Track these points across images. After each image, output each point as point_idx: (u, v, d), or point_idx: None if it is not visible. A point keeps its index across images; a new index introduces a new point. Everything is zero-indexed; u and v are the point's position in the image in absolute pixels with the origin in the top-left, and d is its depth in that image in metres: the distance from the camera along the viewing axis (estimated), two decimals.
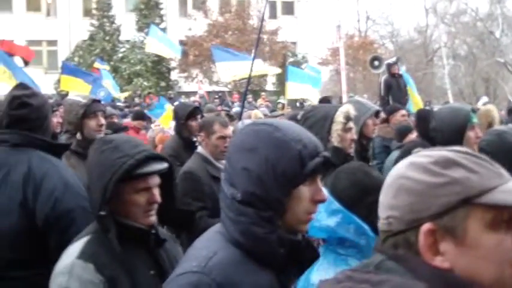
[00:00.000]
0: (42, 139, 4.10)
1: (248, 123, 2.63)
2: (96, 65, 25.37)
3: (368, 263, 1.84)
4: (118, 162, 3.05)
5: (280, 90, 41.87)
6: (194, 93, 35.90)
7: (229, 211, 2.42)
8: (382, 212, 1.84)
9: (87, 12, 48.87)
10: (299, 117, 6.27)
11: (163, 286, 2.46)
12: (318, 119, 5.36)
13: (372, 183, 3.40)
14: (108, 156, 3.10)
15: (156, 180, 3.17)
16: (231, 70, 16.66)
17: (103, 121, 5.30)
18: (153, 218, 3.20)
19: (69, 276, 2.99)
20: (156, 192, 3.17)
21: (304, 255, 2.50)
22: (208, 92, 37.51)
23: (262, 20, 12.12)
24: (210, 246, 2.43)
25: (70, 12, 48.79)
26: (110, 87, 20.62)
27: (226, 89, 36.29)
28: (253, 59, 12.00)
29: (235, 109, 20.76)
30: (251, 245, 2.37)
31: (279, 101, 30.01)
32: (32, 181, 3.88)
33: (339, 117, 5.27)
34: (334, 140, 5.24)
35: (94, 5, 47.21)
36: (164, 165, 3.20)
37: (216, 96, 34.43)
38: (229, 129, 6.19)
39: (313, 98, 15.89)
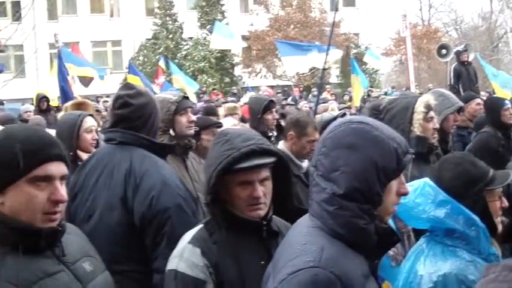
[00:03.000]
0: (145, 138, 4.19)
1: (343, 120, 2.68)
2: (161, 63, 25.57)
3: None
4: (224, 154, 3.11)
5: (344, 83, 41.73)
6: (258, 88, 35.97)
7: (328, 205, 2.52)
8: None
9: (149, 12, 49.51)
10: (381, 108, 6.19)
11: (274, 287, 2.49)
12: (398, 110, 5.34)
13: (478, 173, 3.38)
14: (218, 149, 3.18)
15: (259, 175, 3.16)
16: (297, 63, 16.65)
17: (193, 117, 5.31)
18: (260, 212, 3.19)
19: (179, 258, 3.13)
20: (259, 186, 3.16)
21: (388, 240, 2.63)
22: (272, 87, 37.52)
23: (335, 10, 11.93)
24: (313, 241, 2.51)
25: (133, 12, 49.40)
26: (179, 83, 20.85)
27: (290, 83, 36.24)
28: (328, 50, 11.91)
29: (302, 103, 20.71)
30: (352, 236, 2.49)
31: (345, 93, 29.80)
32: (132, 179, 3.99)
33: (420, 107, 5.25)
34: (417, 130, 5.21)
35: (156, 4, 47.75)
36: (269, 160, 3.18)
37: (279, 91, 34.41)
38: (318, 133, 6.12)
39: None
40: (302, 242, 2.54)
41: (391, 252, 4.14)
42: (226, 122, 8.74)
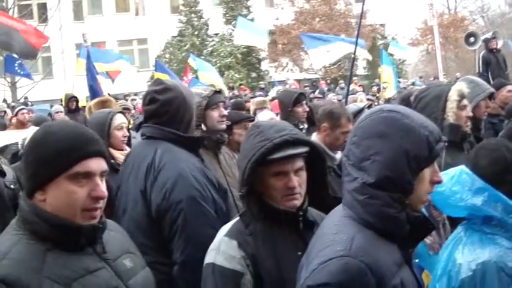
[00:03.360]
0: (171, 131, 4.21)
1: (374, 109, 2.69)
2: (190, 60, 25.61)
3: None
4: (257, 146, 3.14)
5: (371, 74, 41.56)
6: (285, 82, 35.94)
7: (359, 194, 2.54)
8: None
9: (174, 9, 49.71)
10: (412, 98, 6.15)
11: (306, 276, 2.51)
12: (431, 98, 5.32)
13: None
14: (252, 140, 3.21)
15: (294, 165, 3.18)
16: (323, 55, 16.63)
17: (224, 112, 5.30)
18: (296, 202, 3.21)
19: (216, 252, 3.17)
20: (294, 176, 3.18)
21: (422, 228, 2.63)
22: (299, 80, 37.48)
23: (363, 1, 11.87)
24: (344, 230, 2.54)
25: (158, 10, 49.58)
26: (207, 79, 20.91)
27: (317, 76, 36.16)
28: (356, 43, 11.88)
29: (330, 95, 20.69)
30: (383, 224, 2.51)
31: (373, 84, 29.67)
32: (152, 172, 4.06)
33: (453, 95, 5.22)
34: (450, 118, 5.19)
35: (181, 1, 47.87)
36: (302, 150, 3.20)
37: (306, 84, 34.36)
38: (351, 125, 6.11)
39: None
40: (333, 231, 2.56)
41: (427, 240, 4.14)
42: (263, 115, 8.75)
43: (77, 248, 2.57)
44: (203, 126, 5.20)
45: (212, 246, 3.25)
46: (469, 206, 3.31)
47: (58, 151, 2.52)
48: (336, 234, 2.53)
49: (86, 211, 2.57)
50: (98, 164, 2.60)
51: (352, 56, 11.65)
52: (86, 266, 2.56)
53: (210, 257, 3.20)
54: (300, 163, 3.20)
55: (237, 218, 3.34)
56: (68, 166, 2.52)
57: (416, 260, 3.76)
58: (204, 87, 5.63)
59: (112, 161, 5.31)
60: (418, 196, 2.54)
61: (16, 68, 23.61)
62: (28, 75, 23.26)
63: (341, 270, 2.38)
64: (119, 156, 5.56)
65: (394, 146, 2.47)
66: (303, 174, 3.23)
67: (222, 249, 3.15)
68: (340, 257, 2.41)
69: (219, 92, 5.36)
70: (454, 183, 3.37)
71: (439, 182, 2.63)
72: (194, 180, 4.03)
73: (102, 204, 2.62)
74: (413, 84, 28.49)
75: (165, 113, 4.24)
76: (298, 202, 3.21)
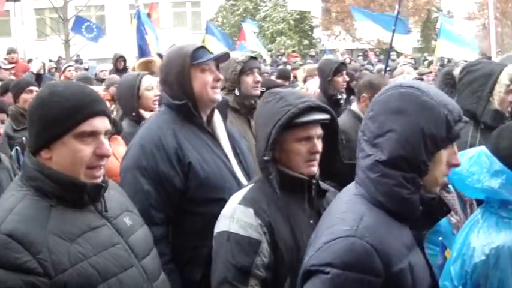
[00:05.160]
0: (165, 97, 4.13)
1: (394, 84, 2.60)
2: (245, 25, 25.50)
3: None
4: (281, 110, 3.13)
5: (425, 47, 40.97)
6: (336, 50, 35.69)
7: (371, 172, 2.48)
8: None
9: None
10: (456, 72, 6.07)
11: (311, 255, 2.49)
12: (480, 75, 5.17)
13: None
14: (273, 106, 3.19)
15: (317, 130, 3.21)
16: (371, 30, 16.53)
17: (259, 78, 5.33)
18: (315, 169, 3.24)
19: (231, 219, 3.15)
20: (317, 142, 3.21)
21: (437, 211, 2.57)
22: (351, 50, 37.18)
23: None
24: (353, 209, 2.49)
25: None
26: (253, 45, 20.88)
27: (369, 46, 35.83)
28: (396, 19, 11.74)
29: (378, 66, 20.51)
30: (395, 205, 2.44)
31: (425, 58, 29.27)
32: None
33: (504, 78, 5.07)
34: (495, 102, 5.05)
35: None
36: (325, 116, 3.23)
37: (360, 54, 34.09)
38: None
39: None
40: (343, 210, 2.52)
41: (453, 219, 4.11)
42: (312, 83, 8.73)
43: (80, 206, 2.64)
44: (236, 91, 5.25)
45: (225, 214, 3.23)
46: (485, 188, 3.23)
47: (65, 109, 2.57)
48: (344, 212, 2.49)
49: (90, 169, 2.62)
50: (103, 123, 2.65)
51: (393, 27, 11.51)
52: (88, 222, 2.62)
53: (223, 225, 3.18)
54: (320, 130, 3.22)
55: (250, 186, 3.32)
56: (75, 124, 2.57)
57: (440, 238, 3.76)
58: (241, 52, 5.67)
59: (143, 121, 5.37)
60: (433, 178, 2.48)
61: (82, 30, 24.00)
62: (94, 39, 23.62)
63: (345, 250, 2.35)
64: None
65: (410, 124, 2.40)
66: (320, 141, 3.24)
67: (238, 217, 3.14)
68: (345, 237, 2.37)
69: (255, 58, 5.39)
70: (473, 164, 3.29)
71: (457, 165, 2.55)
72: (140, 149, 3.88)
73: (105, 162, 2.68)
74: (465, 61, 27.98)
75: (161, 80, 4.16)
76: (315, 169, 3.24)
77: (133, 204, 3.07)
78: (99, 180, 2.68)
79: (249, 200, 3.20)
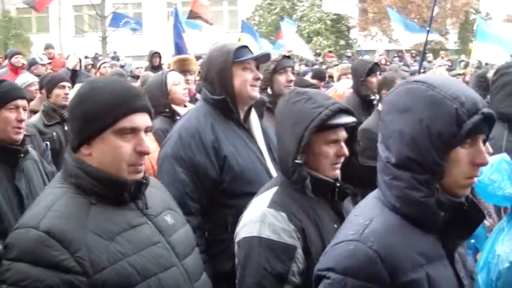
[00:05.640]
0: (204, 92, 4.26)
1: (404, 81, 2.45)
2: (284, 24, 25.44)
3: None
4: (314, 112, 3.05)
5: (462, 49, 40.57)
6: (373, 51, 35.51)
7: (385, 175, 2.35)
8: None
9: None
10: (489, 75, 6.02)
11: (321, 257, 2.42)
12: None
13: None
14: (302, 106, 3.11)
15: (344, 133, 3.18)
16: (405, 35, 16.53)
17: (292, 77, 5.35)
18: (338, 172, 3.22)
19: (261, 224, 3.05)
20: (344, 145, 3.18)
21: (469, 217, 2.36)
22: (388, 51, 36.93)
23: None
24: (366, 212, 2.38)
25: None
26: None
27: (407, 47, 35.58)
28: (430, 22, 11.64)
29: (413, 68, 20.35)
30: (408, 209, 2.28)
31: (461, 59, 28.98)
32: None
33: None
34: None
35: None
36: (354, 119, 3.20)
37: (396, 55, 33.85)
38: None
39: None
40: (355, 212, 2.44)
41: (487, 223, 4.03)
42: (342, 84, 8.70)
43: (120, 203, 2.62)
44: (269, 90, 5.27)
45: (253, 218, 3.12)
46: (507, 195, 3.20)
47: (105, 106, 2.55)
48: (356, 216, 2.40)
49: (131, 166, 2.60)
50: (143, 120, 2.63)
51: (427, 28, 11.41)
52: (128, 220, 2.60)
53: (252, 230, 3.09)
54: (345, 133, 3.19)
55: (277, 189, 3.21)
56: (115, 121, 2.55)
57: (472, 241, 3.73)
58: (276, 51, 5.68)
59: (177, 117, 5.43)
60: (453, 179, 2.26)
61: (120, 25, 24.30)
62: (133, 29, 23.87)
63: (346, 255, 2.24)
64: (182, 111, 5.59)
65: (414, 122, 2.23)
66: None
67: (269, 222, 3.04)
68: (348, 241, 2.27)
69: (288, 57, 5.40)
70: (493, 171, 3.24)
71: (483, 164, 2.29)
72: (178, 139, 4.02)
73: (145, 159, 2.66)
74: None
75: (202, 76, 4.28)
76: (338, 172, 3.22)
77: (176, 203, 3.06)
78: (139, 176, 2.67)
79: (279, 204, 3.11)
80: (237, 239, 3.20)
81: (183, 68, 7.08)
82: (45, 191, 2.68)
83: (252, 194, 3.56)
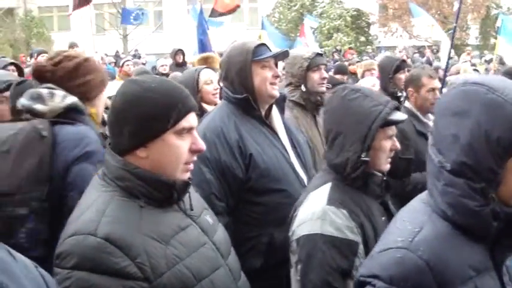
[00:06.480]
0: (225, 91, 4.27)
1: (460, 82, 2.25)
2: (307, 20, 25.45)
3: None
4: (375, 110, 3.13)
5: (483, 45, 40.35)
6: (394, 47, 35.41)
7: (437, 180, 2.20)
8: None
9: None
10: None
11: (364, 262, 2.40)
12: None
13: None
14: (362, 104, 3.16)
15: (395, 128, 3.27)
16: (427, 28, 16.45)
17: (325, 74, 5.37)
18: (389, 165, 3.30)
19: (322, 221, 3.05)
20: (396, 139, 3.28)
21: None
22: (406, 47, 36.82)
23: None
24: (415, 218, 2.25)
25: None
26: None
27: (427, 44, 35.43)
28: (457, 18, 11.57)
29: (435, 64, 20.32)
30: (461, 218, 2.14)
31: (482, 55, 28.85)
32: None
33: None
34: None
35: None
36: (406, 115, 3.32)
37: (416, 51, 33.76)
38: (438, 81, 6.14)
39: None
40: (404, 218, 2.30)
41: None
42: (366, 81, 8.72)
43: (166, 205, 2.59)
44: (303, 87, 5.31)
45: (311, 215, 3.11)
46: None
47: (164, 106, 2.52)
48: (404, 222, 2.26)
49: (185, 165, 2.61)
50: (195, 118, 2.64)
51: (454, 24, 11.33)
52: (177, 222, 2.58)
53: (314, 227, 3.07)
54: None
55: (331, 186, 3.21)
56: (177, 121, 2.53)
57: None
58: (307, 49, 5.71)
59: (205, 114, 5.46)
60: (509, 189, 2.10)
61: (131, 20, 24.39)
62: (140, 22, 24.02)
63: (393, 263, 2.12)
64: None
65: (471, 126, 2.06)
66: None
67: (331, 219, 3.03)
68: (396, 249, 2.14)
69: (321, 54, 5.44)
70: None
71: None
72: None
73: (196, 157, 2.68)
74: None
75: (222, 75, 4.26)
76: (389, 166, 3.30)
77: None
78: (188, 176, 2.66)
79: (338, 201, 3.12)
80: (294, 237, 3.17)
81: (206, 66, 7.13)
82: (89, 195, 2.59)
83: (278, 191, 3.62)
